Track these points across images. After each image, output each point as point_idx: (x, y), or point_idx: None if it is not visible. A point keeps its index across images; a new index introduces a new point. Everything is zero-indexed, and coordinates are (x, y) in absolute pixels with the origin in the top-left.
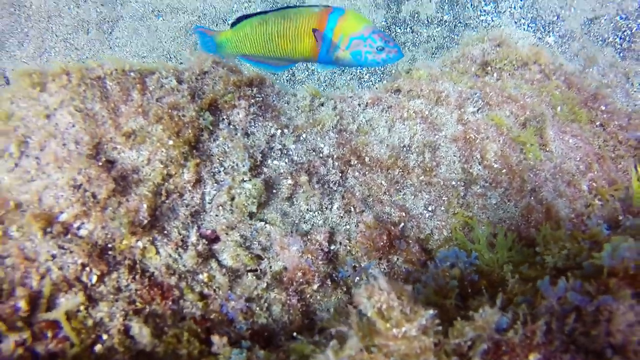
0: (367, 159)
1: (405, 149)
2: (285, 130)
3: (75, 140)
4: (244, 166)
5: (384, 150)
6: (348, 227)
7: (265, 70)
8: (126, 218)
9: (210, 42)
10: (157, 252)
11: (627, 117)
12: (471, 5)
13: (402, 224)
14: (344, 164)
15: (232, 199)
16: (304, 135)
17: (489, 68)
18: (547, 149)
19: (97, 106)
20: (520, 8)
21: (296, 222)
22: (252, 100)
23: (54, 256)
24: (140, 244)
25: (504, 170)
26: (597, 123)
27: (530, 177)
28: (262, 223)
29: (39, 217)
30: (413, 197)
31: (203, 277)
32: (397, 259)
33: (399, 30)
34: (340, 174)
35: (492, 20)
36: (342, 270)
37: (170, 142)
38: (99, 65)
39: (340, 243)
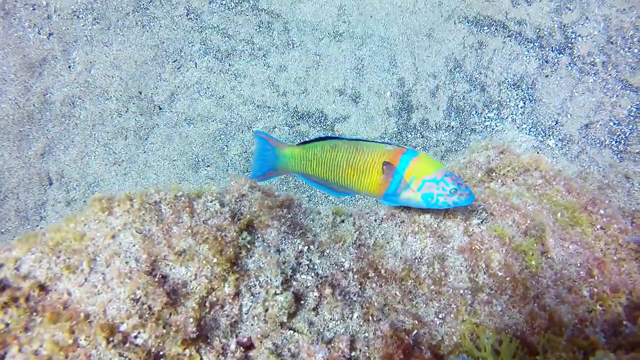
0: (382, 271)
1: (417, 260)
2: (312, 247)
3: (135, 258)
4: (277, 281)
5: (398, 262)
6: (367, 334)
7: (324, 191)
8: (179, 334)
9: (270, 151)
10: (201, 359)
11: (630, 216)
12: (476, 112)
13: (415, 331)
14: (362, 276)
15: (266, 310)
16: (327, 251)
17: (494, 174)
18: (549, 256)
19: (154, 228)
20: (521, 115)
21: (321, 330)
22: (283, 220)
23: None
24: (187, 352)
25: (508, 278)
26: (598, 226)
27: (532, 284)
28: (291, 332)
29: (104, 328)
30: (425, 305)
31: None
32: None
33: (410, 136)
34: (360, 286)
35: (496, 126)
36: None
37: (215, 260)
38: (156, 191)
39: (360, 350)
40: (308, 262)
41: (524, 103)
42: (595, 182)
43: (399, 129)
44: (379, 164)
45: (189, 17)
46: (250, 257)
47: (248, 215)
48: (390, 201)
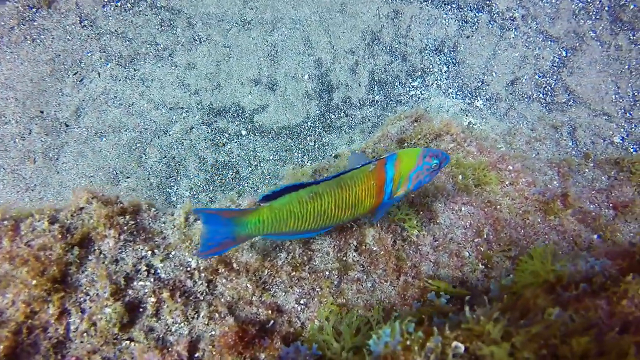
0: (235, 265)
1: (277, 248)
2: (156, 250)
3: None
4: (105, 293)
5: (253, 253)
6: (213, 332)
7: (299, 238)
8: None
9: (226, 223)
10: None
11: (557, 166)
12: (399, 83)
13: (272, 321)
14: (211, 273)
15: (94, 324)
16: (173, 253)
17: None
18: (437, 222)
19: None
20: (446, 79)
21: (161, 336)
22: (125, 228)
23: None
24: None
25: (382, 252)
26: (507, 182)
27: (409, 255)
28: (128, 342)
29: None
30: (284, 293)
31: None
32: (264, 355)
33: (333, 117)
34: (208, 284)
35: (422, 94)
36: None
37: (34, 282)
38: None
39: (204, 350)
40: (147, 268)
41: (448, 67)
42: (524, 137)
43: (321, 111)
44: (370, 190)
45: (82, 24)
46: (83, 271)
47: (83, 229)
48: (383, 211)
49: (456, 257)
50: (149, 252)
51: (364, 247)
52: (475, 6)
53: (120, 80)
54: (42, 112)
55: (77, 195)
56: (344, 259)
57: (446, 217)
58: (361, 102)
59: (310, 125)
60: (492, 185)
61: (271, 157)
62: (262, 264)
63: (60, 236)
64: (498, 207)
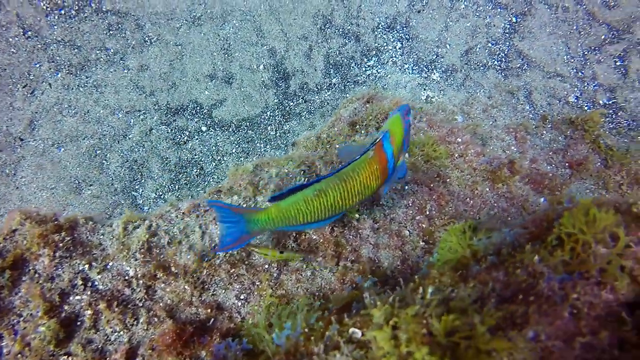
0: (174, 268)
1: (215, 247)
2: (94, 263)
3: None
4: (38, 312)
5: (191, 255)
6: (153, 337)
7: (306, 229)
8: None
9: (238, 219)
10: None
11: (514, 131)
12: (355, 64)
13: (212, 319)
14: (149, 279)
15: (28, 344)
16: (111, 263)
17: (357, 126)
18: (379, 204)
19: None
20: (401, 55)
21: (100, 346)
22: (61, 244)
23: None
24: None
25: (321, 240)
26: (456, 155)
27: (349, 240)
28: (65, 357)
29: None
30: (224, 290)
31: None
32: (204, 353)
33: (291, 104)
34: (146, 290)
35: (378, 72)
36: None
37: None
38: None
39: (143, 355)
40: (83, 282)
41: (402, 43)
42: (481, 105)
43: (279, 100)
44: (374, 174)
45: (26, 36)
46: (16, 293)
47: (17, 250)
48: (390, 184)
49: (396, 237)
50: (86, 266)
51: (303, 236)
52: None
53: (73, 89)
54: None
55: (9, 218)
56: (283, 250)
57: (388, 197)
58: (318, 87)
59: (270, 115)
60: (441, 159)
61: (234, 150)
62: (200, 264)
63: None
64: (447, 180)
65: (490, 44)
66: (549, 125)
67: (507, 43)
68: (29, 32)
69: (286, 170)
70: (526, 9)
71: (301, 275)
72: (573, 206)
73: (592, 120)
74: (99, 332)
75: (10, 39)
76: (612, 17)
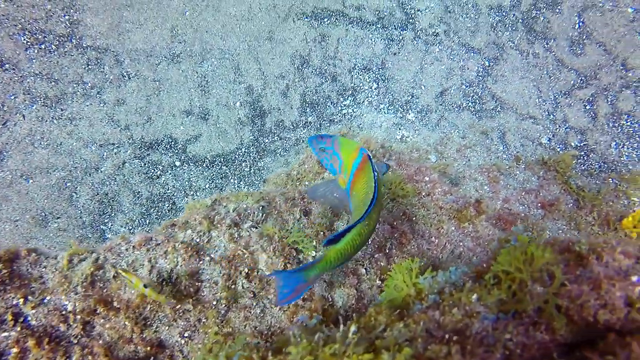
0: (115, 303)
1: (163, 283)
2: (30, 297)
3: None
4: None
5: (134, 290)
6: None
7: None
8: None
9: (299, 276)
10: None
11: (487, 171)
12: (331, 103)
13: (152, 358)
14: (88, 314)
15: None
16: (49, 297)
17: None
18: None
19: None
20: (377, 96)
21: None
22: None
23: None
24: None
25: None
26: (423, 194)
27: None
28: None
29: None
30: (168, 327)
31: None
32: None
33: (267, 141)
34: (83, 326)
35: (354, 112)
36: None
37: None
38: None
39: None
40: (13, 317)
41: (378, 84)
42: (455, 145)
43: (254, 137)
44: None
45: (4, 68)
46: None
47: None
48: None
49: (352, 275)
50: (21, 300)
51: (255, 273)
52: (398, 25)
53: (46, 121)
54: None
55: None
56: (233, 287)
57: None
58: (294, 125)
59: (245, 151)
60: (408, 197)
61: (207, 186)
62: (144, 300)
63: None
64: (413, 219)
65: (464, 86)
66: (522, 166)
67: (481, 85)
68: (6, 65)
69: (244, 206)
70: (498, 54)
71: (250, 312)
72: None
73: (564, 162)
74: None
75: None
76: (580, 64)
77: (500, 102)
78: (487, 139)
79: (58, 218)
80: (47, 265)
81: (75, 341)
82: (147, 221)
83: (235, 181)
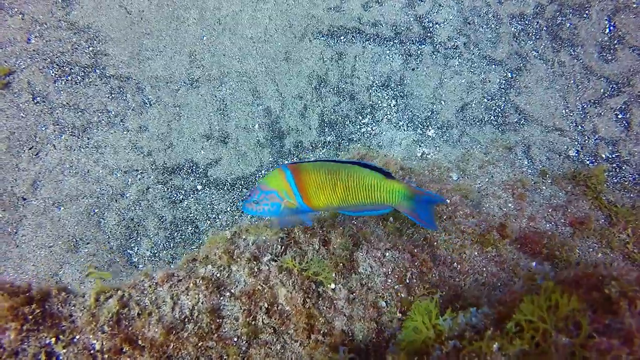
0: (141, 341)
1: (186, 320)
2: (61, 336)
3: None
4: None
5: (158, 328)
6: None
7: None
8: None
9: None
10: None
11: (511, 188)
12: (350, 122)
13: None
14: (115, 353)
15: None
16: (78, 337)
17: None
18: (357, 272)
19: None
20: (395, 113)
21: None
22: (30, 317)
23: None
24: None
25: (293, 312)
26: (444, 217)
27: (322, 311)
28: None
29: None
30: None
31: None
32: None
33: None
34: None
35: (373, 130)
36: None
37: None
38: None
39: None
40: (47, 357)
41: (396, 101)
42: (477, 162)
43: (274, 158)
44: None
45: (35, 101)
46: None
47: None
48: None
49: (372, 308)
50: (53, 339)
51: (275, 308)
52: (417, 39)
53: (74, 150)
54: None
55: None
56: (254, 322)
57: (367, 265)
58: (313, 145)
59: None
60: None
61: (228, 209)
62: (167, 337)
63: None
64: (435, 244)
65: (486, 100)
66: (549, 181)
67: (503, 98)
68: (38, 98)
69: (264, 238)
70: (521, 65)
71: (270, 348)
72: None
73: (595, 177)
74: None
75: (21, 105)
76: (611, 71)
77: (524, 115)
78: (510, 153)
79: (88, 243)
80: (75, 303)
81: None
82: (172, 244)
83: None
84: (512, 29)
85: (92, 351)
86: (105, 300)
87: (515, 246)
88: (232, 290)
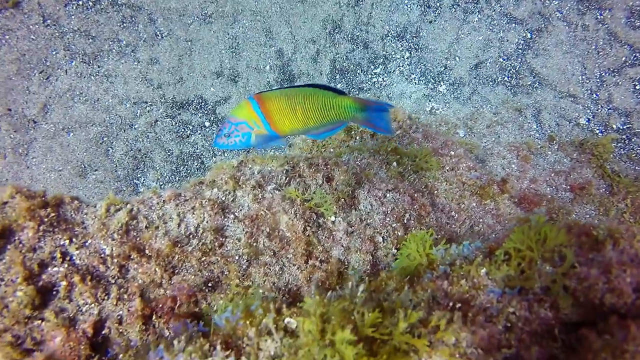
0: (147, 251)
1: (190, 236)
2: (74, 239)
3: None
4: (17, 278)
5: (165, 241)
6: (121, 312)
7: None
8: None
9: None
10: None
11: (516, 149)
12: (361, 70)
13: (179, 302)
14: (123, 259)
15: (6, 306)
16: (89, 241)
17: (353, 132)
18: (357, 208)
19: None
20: (408, 65)
21: (71, 315)
22: (46, 219)
23: None
24: None
25: (293, 238)
26: (447, 168)
27: (321, 240)
28: (40, 321)
29: None
30: (193, 276)
31: None
32: (167, 332)
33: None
34: (119, 269)
35: (384, 81)
36: (108, 350)
37: None
38: None
39: (110, 328)
40: (62, 255)
41: (410, 53)
42: (485, 121)
43: None
44: None
45: (46, 24)
46: (1, 259)
47: (5, 221)
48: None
49: (369, 242)
50: (67, 241)
51: (276, 233)
52: None
53: (85, 77)
54: (9, 109)
55: (2, 191)
56: (255, 244)
57: (367, 203)
58: None
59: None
60: (432, 170)
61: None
62: (173, 250)
63: None
64: (435, 192)
65: (501, 59)
66: (555, 146)
67: (520, 59)
68: (48, 21)
69: (269, 168)
70: (543, 26)
71: (269, 269)
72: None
73: (602, 145)
74: (71, 303)
75: (31, 26)
76: (637, 38)
77: (539, 78)
78: (520, 116)
79: (96, 170)
80: (87, 212)
81: (113, 281)
82: (177, 178)
83: None
84: None
85: (102, 255)
86: (115, 211)
87: (513, 201)
88: (236, 214)
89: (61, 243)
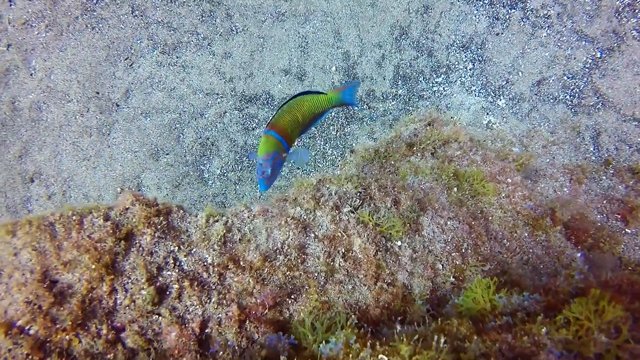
0: (242, 262)
1: (277, 251)
2: (182, 247)
3: (30, 270)
4: (141, 278)
5: (256, 255)
6: (220, 315)
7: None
8: (62, 324)
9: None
10: (80, 342)
11: (570, 172)
12: (423, 78)
13: (266, 310)
14: (222, 268)
15: (134, 301)
16: (194, 250)
17: (415, 148)
18: (421, 234)
19: (47, 244)
20: (470, 77)
21: (181, 314)
22: (159, 226)
23: (9, 349)
24: (67, 337)
25: (365, 260)
26: (503, 195)
27: (389, 264)
28: (157, 316)
29: (3, 325)
30: (279, 289)
31: (110, 357)
32: (257, 336)
33: (356, 109)
34: (219, 277)
35: (444, 90)
36: (211, 347)
37: (93, 267)
38: (51, 213)
39: (212, 328)
40: (173, 261)
41: (473, 64)
42: (541, 140)
43: None
44: None
45: (134, 14)
46: (127, 260)
47: (129, 225)
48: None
49: (430, 269)
50: (176, 248)
51: (350, 254)
52: (508, 3)
53: (164, 66)
54: (97, 92)
55: (124, 198)
56: (332, 263)
57: (430, 230)
58: (384, 96)
59: (334, 116)
60: (488, 196)
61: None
62: (263, 263)
63: (111, 231)
64: (490, 218)
65: (565, 77)
66: (611, 172)
67: (585, 79)
68: (136, 11)
69: (344, 190)
70: (615, 45)
71: (343, 287)
72: (585, 288)
73: None
74: (181, 303)
75: (121, 16)
76: None
77: (603, 99)
78: (578, 137)
79: (167, 154)
80: (190, 221)
81: (214, 287)
82: (239, 167)
83: (321, 142)
84: (617, 2)
85: (205, 263)
86: (213, 222)
87: (560, 229)
88: (316, 233)
89: (172, 249)
